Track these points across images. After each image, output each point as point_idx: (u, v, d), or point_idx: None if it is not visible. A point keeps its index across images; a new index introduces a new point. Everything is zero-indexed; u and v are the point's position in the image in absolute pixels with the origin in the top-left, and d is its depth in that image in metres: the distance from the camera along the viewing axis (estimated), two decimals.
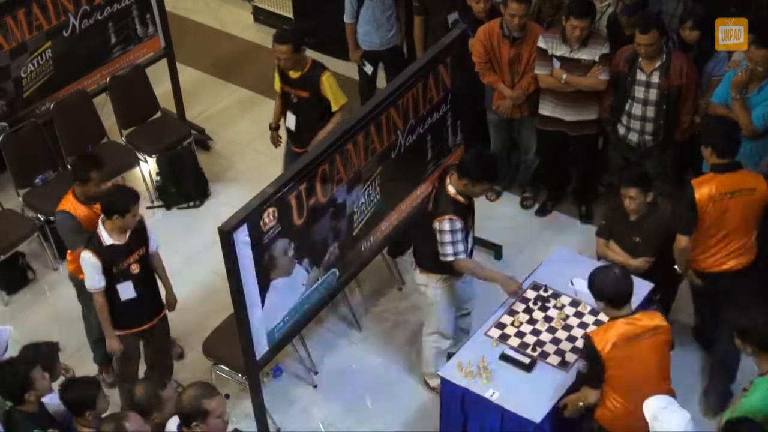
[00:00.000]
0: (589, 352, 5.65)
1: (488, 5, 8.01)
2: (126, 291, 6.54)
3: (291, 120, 7.85)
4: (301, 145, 7.82)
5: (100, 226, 6.41)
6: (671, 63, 7.23)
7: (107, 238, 6.39)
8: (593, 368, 5.64)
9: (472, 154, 6.59)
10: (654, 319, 5.67)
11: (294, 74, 7.67)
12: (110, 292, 6.51)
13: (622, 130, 7.60)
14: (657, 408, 5.20)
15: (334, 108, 7.68)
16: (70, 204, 6.73)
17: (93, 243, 6.41)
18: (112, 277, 6.47)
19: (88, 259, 6.38)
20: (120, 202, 6.35)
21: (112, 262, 6.42)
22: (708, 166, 6.42)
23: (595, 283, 5.70)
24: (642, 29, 7.16)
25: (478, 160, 6.42)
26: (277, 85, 7.88)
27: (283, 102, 7.94)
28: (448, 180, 6.46)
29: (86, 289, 6.55)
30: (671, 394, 5.61)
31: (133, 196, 6.42)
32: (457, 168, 6.45)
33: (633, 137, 7.55)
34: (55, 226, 7.19)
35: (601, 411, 5.79)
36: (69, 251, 6.91)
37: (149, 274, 6.70)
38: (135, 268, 6.53)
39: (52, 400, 5.68)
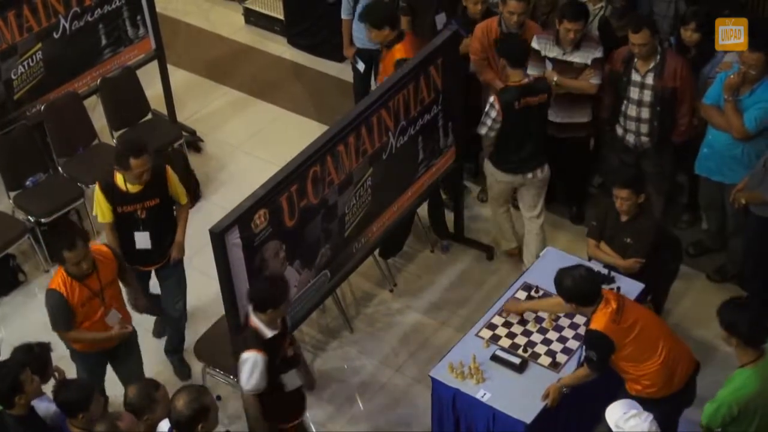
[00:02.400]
0: (596, 341, 5.76)
1: (484, 6, 8.04)
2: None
3: (142, 239, 6.94)
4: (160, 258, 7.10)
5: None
6: (665, 64, 7.24)
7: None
8: (604, 353, 5.78)
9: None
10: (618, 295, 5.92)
11: (136, 188, 6.76)
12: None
13: (619, 131, 7.62)
14: (618, 416, 5.24)
15: (183, 202, 7.05)
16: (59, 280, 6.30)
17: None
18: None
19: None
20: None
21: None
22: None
23: (561, 286, 5.82)
24: (634, 29, 7.18)
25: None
26: (108, 215, 6.81)
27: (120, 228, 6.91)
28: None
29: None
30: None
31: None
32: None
33: (630, 138, 7.55)
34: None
35: (638, 388, 5.87)
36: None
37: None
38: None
39: (41, 404, 5.67)
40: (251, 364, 5.66)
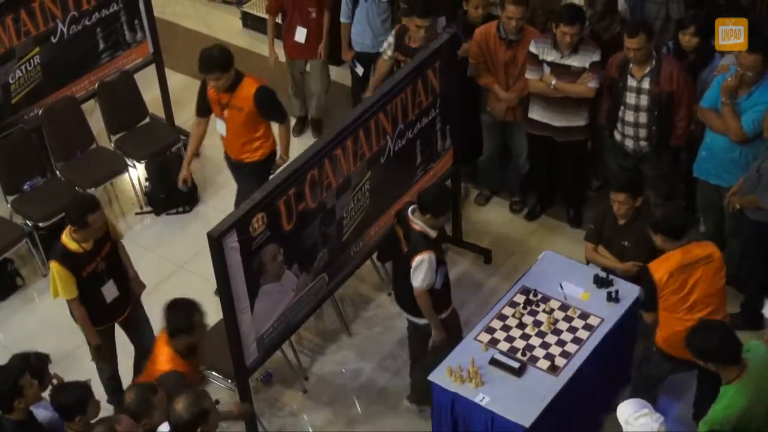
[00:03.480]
0: (646, 281, 6.12)
1: (485, 11, 8.04)
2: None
3: (110, 289, 6.87)
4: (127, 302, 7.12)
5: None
6: (661, 68, 7.24)
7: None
8: (650, 295, 6.10)
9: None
10: (706, 249, 6.13)
11: (89, 244, 6.64)
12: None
13: (618, 137, 7.61)
14: (629, 413, 5.25)
15: (120, 237, 7.02)
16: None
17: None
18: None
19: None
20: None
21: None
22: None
23: (655, 216, 6.20)
24: (630, 33, 7.18)
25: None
26: (74, 289, 6.56)
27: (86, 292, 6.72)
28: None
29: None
30: (727, 321, 6.08)
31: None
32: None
33: (629, 143, 7.55)
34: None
35: (661, 335, 6.12)
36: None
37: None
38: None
39: (39, 410, 5.67)
40: (428, 263, 6.26)
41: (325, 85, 9.37)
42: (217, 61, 7.30)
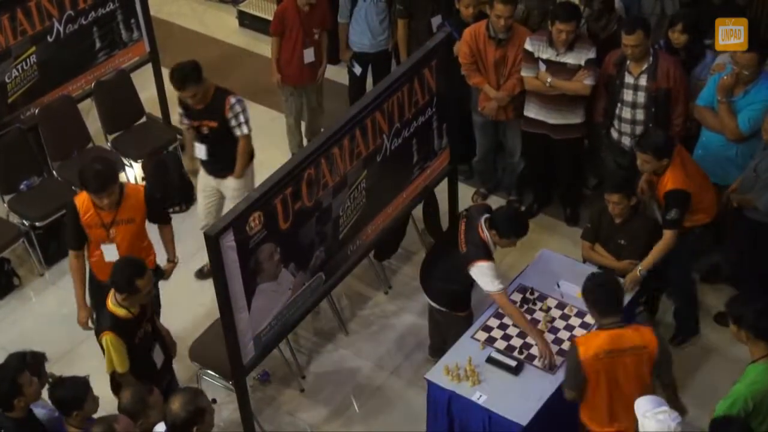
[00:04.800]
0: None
1: (476, 10, 8.04)
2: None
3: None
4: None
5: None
6: (658, 65, 7.24)
7: None
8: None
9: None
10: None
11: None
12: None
13: (615, 134, 7.62)
14: (647, 408, 5.23)
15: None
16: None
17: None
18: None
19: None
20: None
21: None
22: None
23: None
24: (627, 30, 7.18)
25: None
26: (126, 361, 6.08)
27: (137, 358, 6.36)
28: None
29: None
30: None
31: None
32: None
33: (626, 141, 7.55)
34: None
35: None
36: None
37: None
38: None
39: (38, 409, 5.67)
40: (490, 269, 6.41)
41: (321, 109, 9.17)
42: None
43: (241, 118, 7.42)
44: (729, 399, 5.32)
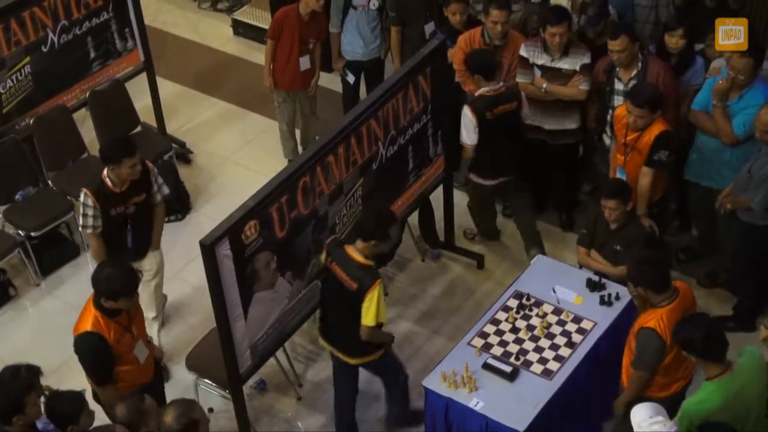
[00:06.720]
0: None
1: (465, 17, 8.05)
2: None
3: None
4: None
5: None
6: (647, 71, 7.25)
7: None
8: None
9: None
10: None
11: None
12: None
13: (607, 140, 7.62)
14: (642, 418, 5.24)
15: None
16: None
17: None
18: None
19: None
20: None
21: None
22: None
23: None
24: (611, 36, 7.21)
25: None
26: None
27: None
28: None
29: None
30: None
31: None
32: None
33: None
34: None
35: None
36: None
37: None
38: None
39: (36, 422, 5.65)
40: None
41: (315, 117, 9.12)
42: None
43: (160, 179, 7.18)
44: (682, 412, 5.36)
